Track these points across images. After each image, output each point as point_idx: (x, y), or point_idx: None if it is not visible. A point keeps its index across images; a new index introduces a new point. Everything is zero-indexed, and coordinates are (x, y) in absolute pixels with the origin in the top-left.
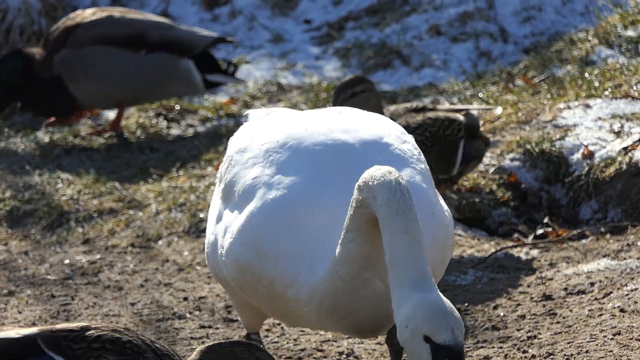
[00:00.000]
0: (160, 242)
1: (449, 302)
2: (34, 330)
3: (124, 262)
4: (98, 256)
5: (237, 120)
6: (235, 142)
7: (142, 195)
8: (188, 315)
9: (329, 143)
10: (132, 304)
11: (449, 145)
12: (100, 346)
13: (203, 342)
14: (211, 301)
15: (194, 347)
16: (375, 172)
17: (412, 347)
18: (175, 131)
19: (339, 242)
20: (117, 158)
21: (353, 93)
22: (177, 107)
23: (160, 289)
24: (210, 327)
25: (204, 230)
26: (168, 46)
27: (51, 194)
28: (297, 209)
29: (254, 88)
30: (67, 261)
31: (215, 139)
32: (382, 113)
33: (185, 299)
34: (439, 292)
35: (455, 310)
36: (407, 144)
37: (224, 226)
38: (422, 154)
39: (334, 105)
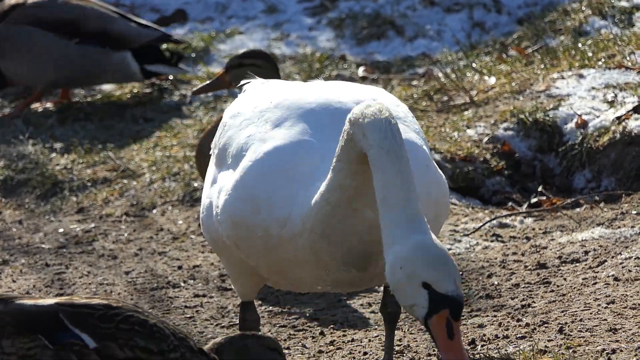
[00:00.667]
0: (154, 211)
1: (444, 247)
2: (51, 302)
3: (118, 231)
4: (92, 225)
5: (230, 90)
6: (229, 110)
7: (136, 165)
8: (182, 284)
9: (323, 102)
10: (127, 273)
11: None
12: (129, 328)
13: (197, 311)
14: (205, 270)
15: (188, 315)
16: (366, 109)
17: (405, 291)
18: (168, 101)
19: (330, 169)
20: (110, 128)
21: (241, 63)
22: (171, 77)
23: (155, 258)
24: (204, 295)
25: (198, 200)
26: (103, 38)
27: (45, 163)
28: (289, 157)
29: None
30: (61, 230)
31: (208, 109)
32: None
33: (180, 267)
34: (433, 235)
35: (450, 256)
36: (402, 107)
37: (218, 187)
38: (415, 120)
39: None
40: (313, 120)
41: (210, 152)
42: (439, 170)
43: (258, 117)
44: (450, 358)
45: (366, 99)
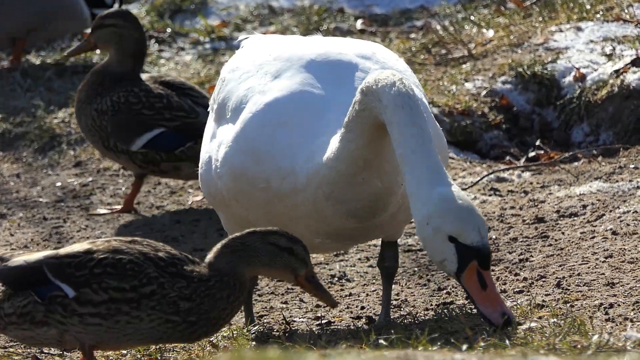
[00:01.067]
0: None
1: (466, 195)
2: (39, 256)
3: (116, 185)
4: (90, 179)
5: (229, 44)
6: (228, 65)
7: None
8: (181, 238)
9: (324, 53)
10: (124, 227)
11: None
12: (101, 271)
13: None
14: (204, 224)
15: None
16: (379, 75)
17: (434, 246)
18: (166, 54)
19: (338, 138)
20: None
21: (102, 24)
22: (169, 30)
23: (152, 212)
24: (202, 250)
25: None
26: None
27: (43, 116)
28: (290, 107)
29: (245, 11)
30: (58, 184)
31: (206, 62)
32: (136, 58)
33: (178, 222)
34: (456, 185)
35: (474, 204)
36: (400, 62)
37: (217, 142)
38: (414, 76)
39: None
40: (313, 70)
41: (209, 109)
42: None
43: (257, 70)
44: (489, 310)
45: (365, 52)
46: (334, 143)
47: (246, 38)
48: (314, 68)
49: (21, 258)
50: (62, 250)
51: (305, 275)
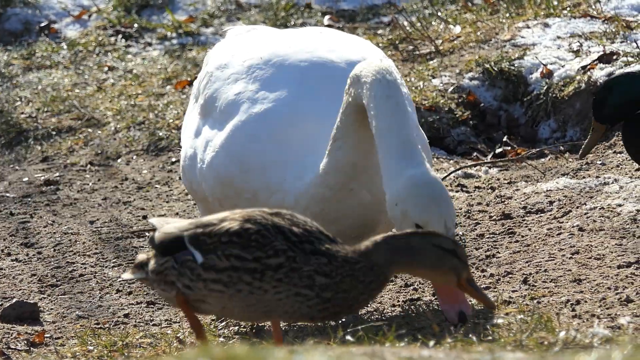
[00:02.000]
0: (119, 161)
1: (439, 180)
2: (186, 224)
3: (83, 180)
4: (57, 174)
5: (196, 39)
6: (214, 59)
7: (101, 114)
8: (147, 233)
9: (315, 60)
10: (91, 222)
11: None
12: (227, 240)
13: None
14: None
15: None
16: (368, 66)
17: (402, 229)
18: (133, 49)
19: (327, 152)
20: (75, 76)
21: None
22: (136, 25)
23: (119, 207)
24: None
25: (163, 149)
26: None
27: (9, 111)
28: (282, 121)
29: (213, 6)
30: (25, 179)
31: (174, 57)
32: None
33: (145, 217)
34: (427, 166)
35: (445, 191)
36: (387, 61)
37: (204, 140)
38: (402, 78)
39: None
40: (305, 82)
41: (192, 96)
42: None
43: (247, 73)
44: (447, 305)
45: (356, 57)
46: (323, 160)
47: (231, 28)
48: (307, 79)
49: (171, 226)
50: (205, 219)
51: (466, 278)
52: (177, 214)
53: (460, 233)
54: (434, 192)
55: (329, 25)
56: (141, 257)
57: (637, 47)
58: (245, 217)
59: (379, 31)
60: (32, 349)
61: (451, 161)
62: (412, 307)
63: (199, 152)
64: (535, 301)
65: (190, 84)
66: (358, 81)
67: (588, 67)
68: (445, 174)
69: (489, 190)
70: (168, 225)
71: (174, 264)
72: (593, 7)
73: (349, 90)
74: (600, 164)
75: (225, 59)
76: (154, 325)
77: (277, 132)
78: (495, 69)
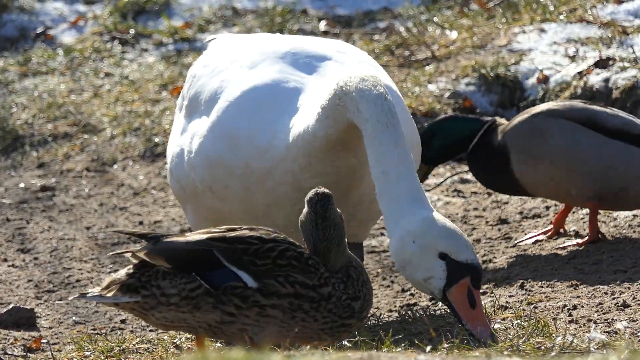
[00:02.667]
0: (115, 166)
1: (450, 222)
2: (202, 238)
3: (79, 186)
4: (53, 180)
5: (192, 45)
6: (198, 62)
7: (97, 120)
8: (143, 239)
9: (299, 46)
10: (87, 228)
11: None
12: (286, 263)
13: None
14: (166, 225)
15: None
16: (360, 83)
17: (419, 264)
18: (129, 55)
19: (315, 117)
20: (71, 82)
21: None
22: (132, 31)
23: (116, 213)
24: None
25: (159, 155)
26: None
27: (5, 118)
28: (267, 91)
29: (209, 12)
30: (22, 185)
31: (170, 63)
32: None
33: (141, 223)
34: (436, 212)
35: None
36: (370, 60)
37: (190, 134)
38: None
39: None
40: (289, 60)
41: (178, 105)
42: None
43: (231, 63)
44: (476, 327)
45: (339, 47)
46: (311, 117)
47: (214, 38)
48: (290, 58)
49: (180, 238)
50: (230, 234)
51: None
52: (173, 219)
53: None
54: (452, 225)
55: (325, 31)
56: (122, 276)
57: (633, 52)
58: (285, 239)
59: (375, 37)
60: (28, 354)
61: (447, 166)
62: (409, 312)
63: (185, 146)
64: (532, 306)
65: None
66: (352, 101)
67: (584, 72)
68: (442, 180)
69: (486, 195)
70: (175, 237)
71: (204, 283)
72: (589, 12)
73: (342, 99)
74: None
75: (209, 59)
76: (150, 330)
77: (263, 101)
78: (492, 74)
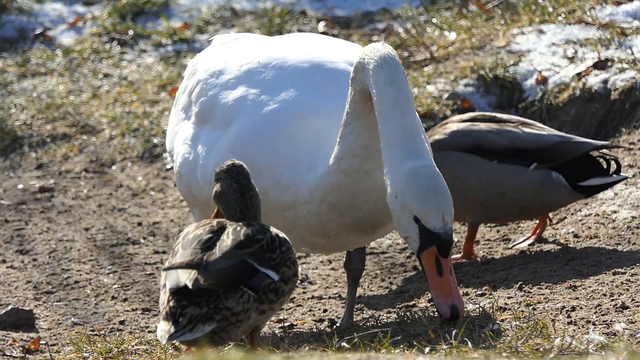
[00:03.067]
0: (114, 167)
1: (438, 173)
2: (227, 248)
3: (78, 187)
4: (52, 181)
5: (191, 45)
6: (205, 66)
7: (96, 121)
8: (142, 240)
9: (315, 61)
10: (86, 229)
11: None
12: (286, 248)
13: (157, 268)
14: (165, 226)
15: (148, 272)
16: (370, 50)
17: (400, 221)
18: (128, 56)
19: (337, 139)
20: (70, 83)
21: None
22: (131, 32)
23: (114, 214)
24: (164, 252)
25: (157, 156)
26: None
27: (4, 119)
28: (290, 120)
29: (208, 13)
30: (20, 186)
31: (168, 64)
32: None
33: (139, 224)
34: (429, 157)
35: (445, 184)
36: None
37: (205, 146)
38: None
39: None
40: (309, 81)
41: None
42: None
43: (246, 77)
44: (439, 299)
45: (350, 55)
46: (335, 148)
47: (217, 37)
48: (308, 78)
49: (214, 257)
50: (236, 238)
51: None
52: (171, 220)
53: (456, 240)
54: (433, 185)
55: (324, 32)
56: (179, 308)
57: (632, 53)
58: (265, 227)
59: (374, 38)
60: (27, 355)
61: None
62: (408, 313)
63: (200, 158)
64: (530, 307)
65: None
66: (362, 68)
67: (583, 73)
68: None
69: None
70: (207, 257)
71: (251, 293)
72: (588, 13)
73: (355, 77)
74: None
75: (218, 65)
76: (149, 332)
77: (286, 130)
78: (490, 75)
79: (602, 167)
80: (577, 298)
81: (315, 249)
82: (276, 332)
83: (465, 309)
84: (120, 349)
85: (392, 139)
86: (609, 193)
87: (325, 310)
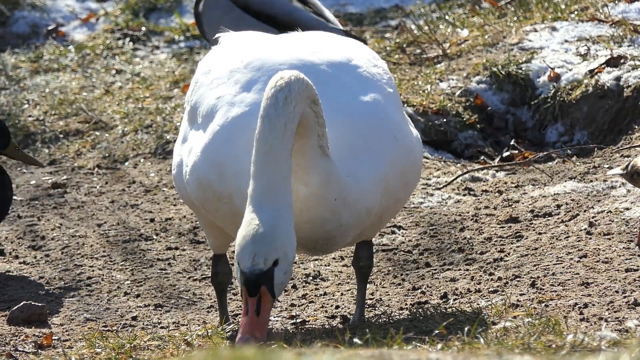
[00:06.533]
0: (126, 164)
1: (282, 222)
2: None
3: (91, 183)
4: (64, 177)
5: (203, 42)
6: (202, 65)
7: (109, 117)
8: (155, 236)
9: (294, 63)
10: (99, 225)
11: None
12: None
13: (169, 264)
14: (178, 223)
15: (160, 268)
16: (277, 80)
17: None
18: (141, 52)
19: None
20: (83, 79)
21: None
22: (143, 28)
23: (127, 211)
24: (176, 248)
25: (170, 152)
26: None
27: (17, 114)
28: (254, 124)
29: None
30: (33, 182)
31: (181, 61)
32: None
33: (152, 220)
34: (280, 208)
35: (286, 232)
36: (378, 68)
37: (189, 146)
38: (392, 79)
39: None
40: None
41: (185, 104)
42: (413, 134)
43: (228, 77)
44: (240, 335)
45: (340, 58)
46: None
47: (222, 35)
48: None
49: None
50: None
51: None
52: (184, 217)
53: (468, 237)
54: (259, 230)
55: None
56: None
57: None
58: None
59: (387, 34)
60: (39, 351)
61: (458, 165)
62: (420, 310)
63: (184, 158)
64: (543, 304)
65: None
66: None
67: (595, 70)
68: (453, 178)
69: (497, 193)
70: None
71: None
72: (600, 10)
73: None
74: (607, 167)
75: (210, 64)
76: (161, 327)
77: (249, 136)
78: (503, 72)
79: None
80: (589, 295)
81: (308, 251)
82: (288, 328)
83: (478, 305)
84: (132, 345)
85: (250, 192)
86: (621, 190)
87: (337, 307)
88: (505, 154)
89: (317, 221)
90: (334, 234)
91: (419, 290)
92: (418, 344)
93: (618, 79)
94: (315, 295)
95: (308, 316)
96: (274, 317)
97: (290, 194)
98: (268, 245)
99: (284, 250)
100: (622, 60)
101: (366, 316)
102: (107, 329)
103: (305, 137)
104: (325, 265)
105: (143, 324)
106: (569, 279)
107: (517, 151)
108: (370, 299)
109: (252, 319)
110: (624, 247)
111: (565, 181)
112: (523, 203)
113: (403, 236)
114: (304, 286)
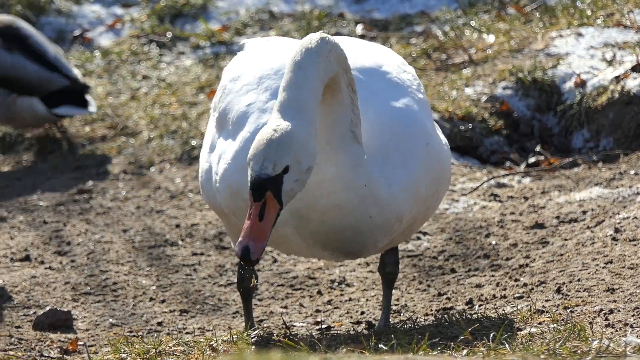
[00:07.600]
0: (152, 169)
1: (300, 131)
2: None
3: (116, 188)
4: (90, 183)
5: (229, 48)
6: (229, 71)
7: (134, 122)
8: (180, 242)
9: None
10: (124, 231)
11: None
12: None
13: (195, 270)
14: (203, 228)
15: (186, 273)
16: (307, 41)
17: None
18: (167, 58)
19: None
20: (109, 85)
21: None
22: (169, 34)
23: (152, 216)
24: (202, 254)
25: (195, 158)
26: (7, 84)
27: None
28: None
29: (246, 16)
30: (59, 187)
31: (207, 66)
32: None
33: (177, 226)
34: (302, 118)
35: (304, 140)
36: (407, 74)
37: (218, 154)
38: (421, 85)
39: None
40: None
41: (211, 111)
42: (442, 142)
43: (258, 84)
44: (241, 236)
45: (370, 64)
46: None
47: (247, 41)
48: None
49: None
50: None
51: None
52: (209, 222)
53: (494, 242)
54: (275, 135)
55: (361, 35)
56: None
57: None
58: None
59: (412, 40)
60: (65, 356)
61: (484, 170)
62: (445, 316)
63: (213, 165)
64: (568, 310)
65: None
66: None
67: (621, 76)
68: (478, 184)
69: (522, 199)
70: None
71: None
72: (626, 16)
73: None
74: (633, 173)
75: (239, 71)
76: (187, 333)
77: None
78: (529, 78)
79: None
80: (614, 301)
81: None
82: (313, 333)
83: (504, 311)
84: (157, 350)
85: (278, 103)
86: None
87: (362, 313)
88: (531, 160)
89: (345, 206)
90: (362, 229)
91: (445, 296)
92: (443, 350)
93: None
94: (340, 301)
95: (333, 322)
96: (299, 323)
97: (317, 112)
98: (279, 151)
99: (297, 158)
100: None
101: (391, 322)
102: (132, 334)
103: (337, 96)
104: (351, 271)
105: (168, 329)
106: (594, 285)
107: (542, 157)
108: (396, 304)
109: (253, 224)
110: None
111: (591, 187)
112: (549, 209)
113: (428, 242)
114: (329, 292)
